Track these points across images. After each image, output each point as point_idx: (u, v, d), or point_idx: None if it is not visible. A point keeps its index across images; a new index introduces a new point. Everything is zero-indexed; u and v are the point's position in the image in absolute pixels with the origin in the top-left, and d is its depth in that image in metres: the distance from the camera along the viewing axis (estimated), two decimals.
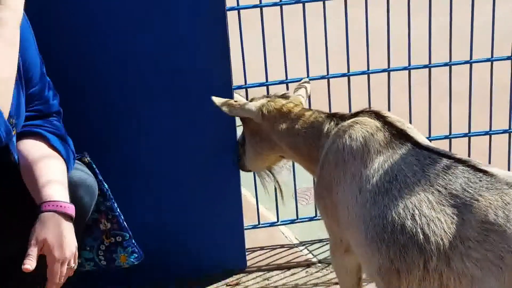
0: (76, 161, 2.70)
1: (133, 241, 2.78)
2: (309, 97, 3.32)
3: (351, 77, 3.65)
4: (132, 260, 2.81)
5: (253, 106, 3.06)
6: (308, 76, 3.59)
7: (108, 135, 3.36)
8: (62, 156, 2.56)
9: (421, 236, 2.33)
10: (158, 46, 3.25)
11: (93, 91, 3.29)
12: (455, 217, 2.31)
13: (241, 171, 3.48)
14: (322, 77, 3.64)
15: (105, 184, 2.77)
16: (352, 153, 2.63)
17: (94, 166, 2.77)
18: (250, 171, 3.38)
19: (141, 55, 3.25)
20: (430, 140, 3.57)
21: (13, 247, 2.49)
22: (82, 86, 3.25)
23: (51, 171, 2.49)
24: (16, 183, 2.51)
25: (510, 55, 3.66)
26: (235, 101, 3.11)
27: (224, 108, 3.09)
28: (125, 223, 2.77)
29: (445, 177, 2.39)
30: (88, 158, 2.77)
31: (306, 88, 3.25)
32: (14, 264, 2.45)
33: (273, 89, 3.61)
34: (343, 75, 3.65)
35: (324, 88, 3.63)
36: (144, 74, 3.29)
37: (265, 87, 3.61)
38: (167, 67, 3.29)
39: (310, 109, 3.06)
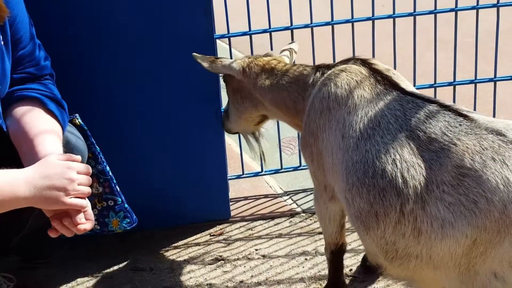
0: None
1: (126, 205, 2.75)
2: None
3: (335, 25, 3.62)
4: (124, 225, 2.77)
5: (234, 63, 3.05)
6: (291, 25, 3.56)
7: (96, 91, 3.35)
8: (58, 120, 2.52)
9: (400, 180, 2.32)
10: None
11: (81, 52, 3.27)
12: (433, 161, 2.29)
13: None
14: (306, 26, 3.61)
15: (97, 147, 2.73)
16: (337, 100, 2.62)
17: (86, 128, 2.72)
18: (236, 133, 3.37)
19: (123, 11, 3.23)
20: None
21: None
22: (69, 48, 3.23)
23: (51, 137, 2.43)
24: (4, 151, 2.45)
25: (495, 2, 3.63)
26: (216, 58, 3.09)
27: (205, 64, 3.09)
28: (117, 187, 2.74)
29: (426, 121, 2.37)
30: (79, 120, 2.72)
31: (292, 50, 3.23)
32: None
33: (256, 38, 3.59)
34: (326, 23, 3.62)
35: (308, 37, 3.60)
36: (128, 27, 3.26)
37: (248, 36, 3.58)
38: (150, 18, 3.25)
39: (295, 64, 3.04)
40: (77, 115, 2.74)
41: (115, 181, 2.75)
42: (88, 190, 2.30)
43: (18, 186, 2.20)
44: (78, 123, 2.73)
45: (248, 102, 3.09)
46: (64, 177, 2.24)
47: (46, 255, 3.21)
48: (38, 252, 3.19)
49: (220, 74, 3.26)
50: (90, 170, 2.35)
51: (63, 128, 2.53)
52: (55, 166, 2.25)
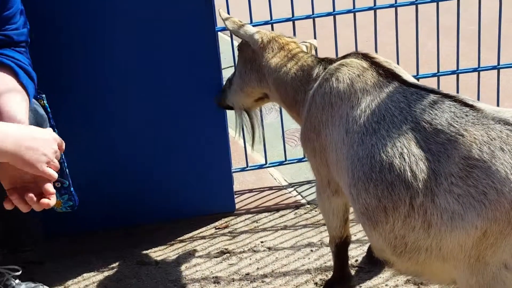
0: (33, 100, 2.66)
1: (72, 189, 2.75)
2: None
3: (337, 16, 3.60)
4: (66, 207, 2.78)
5: (254, 30, 3.04)
6: (293, 16, 3.55)
7: (97, 85, 3.34)
8: (27, 93, 2.54)
9: (409, 174, 2.30)
10: None
11: (80, 46, 3.26)
12: (440, 153, 2.28)
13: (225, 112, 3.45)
14: (308, 17, 3.59)
15: (56, 130, 2.73)
16: (339, 95, 2.60)
17: (49, 110, 2.74)
18: (228, 107, 3.29)
19: (122, 4, 3.21)
20: (418, 79, 3.55)
21: None
22: (69, 41, 3.22)
23: (17, 97, 2.47)
24: None
25: None
26: (239, 21, 3.08)
27: (227, 23, 3.07)
28: (67, 170, 2.75)
29: (431, 112, 2.35)
30: (45, 102, 2.74)
31: (312, 44, 3.21)
32: None
33: None
34: (328, 14, 3.60)
35: (310, 28, 3.58)
36: (128, 21, 3.24)
37: None
38: (150, 11, 3.23)
39: (306, 52, 3.02)
40: (43, 95, 2.75)
41: (65, 164, 2.75)
42: (58, 165, 2.35)
43: (6, 141, 2.21)
44: (43, 104, 2.74)
45: (254, 74, 3.06)
46: (50, 146, 2.30)
47: (33, 242, 3.22)
48: (23, 240, 3.20)
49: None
50: (64, 146, 2.40)
51: (30, 100, 2.56)
52: (46, 133, 2.32)
